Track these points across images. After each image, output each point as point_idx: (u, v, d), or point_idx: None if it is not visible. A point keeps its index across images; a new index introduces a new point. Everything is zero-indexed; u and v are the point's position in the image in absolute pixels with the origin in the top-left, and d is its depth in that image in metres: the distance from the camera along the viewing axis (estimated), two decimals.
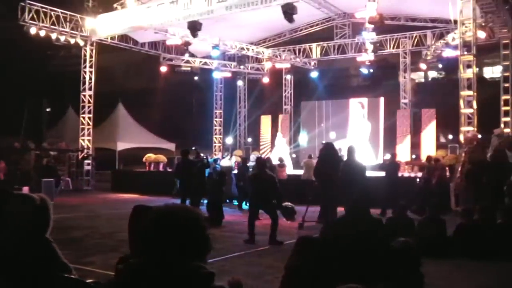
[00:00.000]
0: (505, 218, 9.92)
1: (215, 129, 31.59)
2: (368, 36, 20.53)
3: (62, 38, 22.51)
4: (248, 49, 27.29)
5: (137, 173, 25.60)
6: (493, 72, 38.09)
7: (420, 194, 15.36)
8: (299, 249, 5.30)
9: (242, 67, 28.88)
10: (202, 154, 16.77)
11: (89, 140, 24.80)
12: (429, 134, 24.07)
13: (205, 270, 1.97)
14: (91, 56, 24.40)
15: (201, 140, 32.32)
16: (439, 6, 20.28)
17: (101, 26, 22.81)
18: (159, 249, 1.95)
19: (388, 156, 19.39)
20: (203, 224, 2.05)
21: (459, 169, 15.62)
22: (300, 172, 19.83)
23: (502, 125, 22.03)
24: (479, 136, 16.35)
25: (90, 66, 24.44)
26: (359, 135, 24.12)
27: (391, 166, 16.20)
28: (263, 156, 20.67)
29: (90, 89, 24.58)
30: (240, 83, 31.50)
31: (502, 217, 9.99)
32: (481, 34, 18.76)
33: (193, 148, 16.06)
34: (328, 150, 12.67)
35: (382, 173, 16.56)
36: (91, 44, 24.16)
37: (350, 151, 11.92)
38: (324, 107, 27.47)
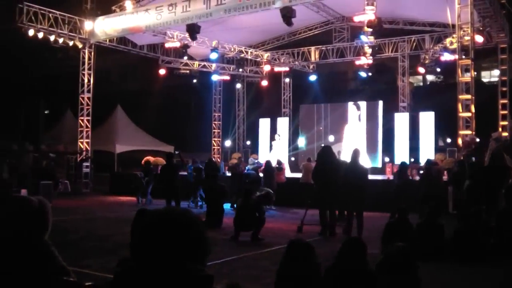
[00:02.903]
0: (499, 222, 9.96)
1: (214, 132, 31.53)
2: (367, 40, 20.58)
3: (61, 40, 22.43)
4: (246, 52, 27.31)
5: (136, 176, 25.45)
6: (491, 76, 38.17)
7: (420, 197, 15.33)
8: (290, 253, 5.33)
9: (240, 70, 28.83)
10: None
11: (87, 143, 24.76)
12: (427, 137, 24.02)
13: (204, 273, 1.97)
14: (89, 59, 24.37)
15: (200, 143, 32.28)
16: (437, 11, 20.32)
17: (100, 29, 22.77)
18: (157, 252, 1.95)
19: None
20: (202, 227, 2.05)
21: None
22: (299, 175, 19.80)
23: (500, 129, 22.09)
24: (477, 139, 16.39)
25: (89, 69, 24.42)
26: (355, 138, 24.05)
27: None
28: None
29: (88, 91, 24.55)
30: (238, 86, 31.49)
31: (497, 220, 10.03)
32: (479, 39, 18.81)
33: (177, 152, 16.37)
34: (326, 154, 12.64)
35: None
36: (90, 47, 24.13)
37: (355, 154, 11.87)
38: (323, 110, 27.41)
